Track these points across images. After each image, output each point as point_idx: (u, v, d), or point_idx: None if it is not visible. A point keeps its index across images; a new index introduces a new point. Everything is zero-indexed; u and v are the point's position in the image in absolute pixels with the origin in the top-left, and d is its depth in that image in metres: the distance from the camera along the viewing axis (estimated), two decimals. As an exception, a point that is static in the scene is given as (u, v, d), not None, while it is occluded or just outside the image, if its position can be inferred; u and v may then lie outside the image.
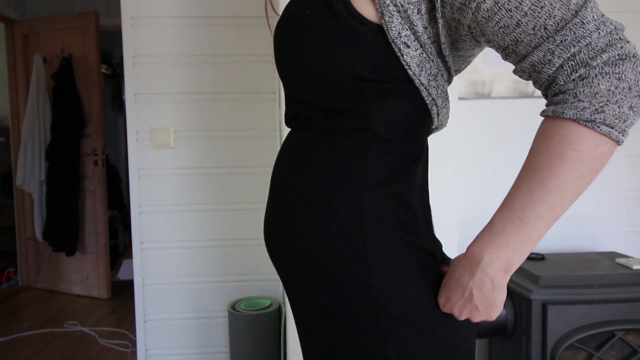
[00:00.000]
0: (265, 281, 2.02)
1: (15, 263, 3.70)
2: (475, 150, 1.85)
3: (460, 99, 1.80)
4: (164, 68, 1.97)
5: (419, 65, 0.62)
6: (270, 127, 2.00)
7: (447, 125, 0.76)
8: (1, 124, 4.24)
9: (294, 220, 0.68)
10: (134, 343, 2.45)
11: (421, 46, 0.61)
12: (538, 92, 1.87)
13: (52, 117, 3.37)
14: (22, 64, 3.50)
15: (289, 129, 0.76)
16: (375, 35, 0.60)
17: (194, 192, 2.01)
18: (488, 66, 1.89)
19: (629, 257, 1.65)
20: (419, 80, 0.63)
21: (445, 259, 0.72)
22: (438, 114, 0.69)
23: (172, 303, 2.04)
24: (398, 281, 0.63)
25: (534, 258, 1.66)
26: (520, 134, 1.86)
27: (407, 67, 0.62)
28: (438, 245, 0.74)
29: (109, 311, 3.09)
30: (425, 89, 0.64)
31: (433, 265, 0.67)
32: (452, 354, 0.65)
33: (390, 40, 0.60)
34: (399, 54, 0.61)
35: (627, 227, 1.99)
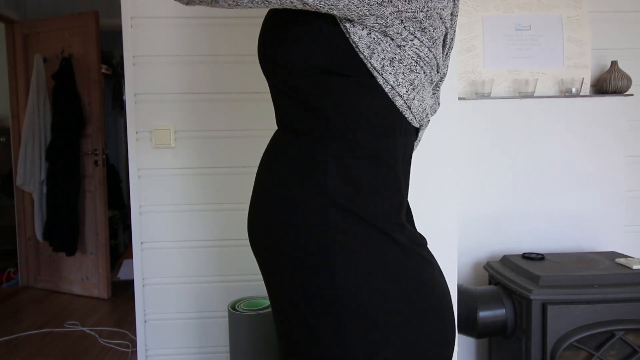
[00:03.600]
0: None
1: (15, 263, 3.70)
2: (475, 150, 1.85)
3: (460, 99, 1.80)
4: (164, 68, 1.97)
5: (369, 47, 0.60)
6: (270, 127, 1.99)
7: (431, 118, 0.75)
8: (1, 124, 4.24)
9: (266, 216, 0.71)
10: (134, 343, 2.45)
11: (366, 27, 0.59)
12: (538, 92, 1.87)
13: (52, 117, 3.37)
14: (22, 64, 3.50)
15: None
16: (331, 25, 0.61)
17: (194, 192, 2.02)
18: (488, 66, 1.90)
19: (629, 257, 1.65)
20: (371, 64, 0.61)
21: (422, 242, 0.71)
22: (409, 107, 0.65)
23: (172, 303, 2.04)
24: (361, 275, 0.62)
25: (534, 258, 1.67)
26: (520, 134, 1.86)
27: (357, 50, 0.60)
28: (410, 230, 0.71)
29: (109, 311, 3.09)
30: (380, 74, 0.61)
31: (398, 255, 0.65)
32: (417, 356, 0.63)
33: (338, 21, 0.61)
34: (346, 35, 0.60)
35: (627, 227, 1.99)
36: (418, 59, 0.63)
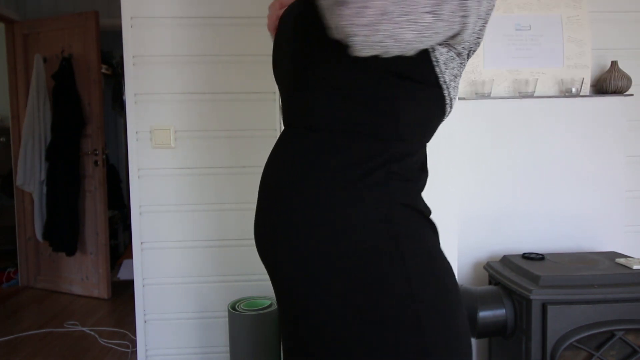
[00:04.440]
0: (265, 281, 2.02)
1: (15, 263, 3.70)
2: (475, 150, 1.85)
3: (460, 99, 1.80)
4: (164, 68, 1.97)
5: (445, 63, 0.66)
6: (270, 127, 2.00)
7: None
8: (1, 124, 4.24)
9: (303, 220, 0.67)
10: (134, 343, 2.45)
11: (449, 46, 0.65)
12: (538, 92, 1.87)
13: (52, 117, 3.37)
14: (22, 64, 3.50)
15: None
16: None
17: (194, 192, 2.02)
18: (488, 66, 1.89)
19: (629, 257, 1.65)
20: (444, 78, 0.66)
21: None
22: (445, 117, 0.73)
23: (172, 303, 2.04)
24: (426, 266, 0.66)
25: (534, 258, 1.66)
26: (520, 134, 1.86)
27: (436, 64, 0.65)
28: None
29: (109, 311, 3.08)
30: (447, 88, 0.67)
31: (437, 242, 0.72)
32: (462, 338, 0.67)
33: None
34: (430, 50, 0.64)
35: (627, 227, 1.99)
36: (459, 76, 0.71)
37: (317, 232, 0.66)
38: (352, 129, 0.67)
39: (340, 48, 0.60)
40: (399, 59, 0.61)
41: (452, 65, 0.67)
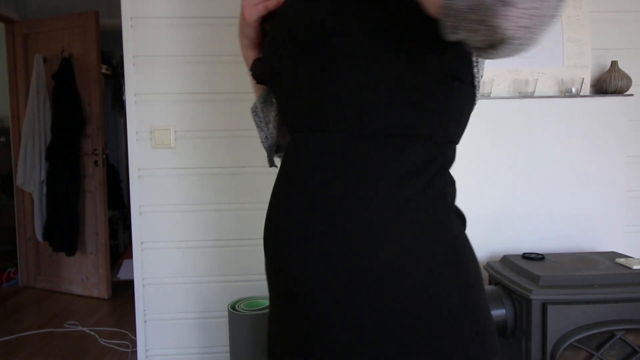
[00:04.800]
0: (265, 281, 2.02)
1: (15, 263, 3.70)
2: (475, 150, 1.85)
3: (460, 99, 1.80)
4: (164, 68, 1.97)
5: (480, 64, 0.66)
6: (270, 127, 2.00)
7: None
8: (1, 124, 4.24)
9: (364, 236, 0.60)
10: (134, 343, 2.45)
11: None
12: (538, 92, 1.87)
13: (52, 117, 3.37)
14: (22, 64, 3.50)
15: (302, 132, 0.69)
16: None
17: (194, 192, 2.01)
18: (488, 66, 1.89)
19: (629, 257, 1.65)
20: (478, 79, 0.66)
21: None
22: None
23: (172, 303, 2.04)
24: (480, 279, 0.65)
25: (534, 258, 1.66)
26: (520, 134, 1.86)
27: (475, 64, 0.64)
28: None
29: (109, 311, 3.09)
30: (479, 87, 0.67)
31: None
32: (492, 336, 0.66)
33: None
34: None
35: (627, 227, 2.00)
36: None
37: (370, 249, 0.60)
38: (406, 132, 0.62)
39: (398, 43, 0.57)
40: (451, 58, 0.60)
41: (482, 65, 0.66)
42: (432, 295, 0.59)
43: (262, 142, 0.82)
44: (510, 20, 0.46)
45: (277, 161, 0.80)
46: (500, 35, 0.47)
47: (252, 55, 0.82)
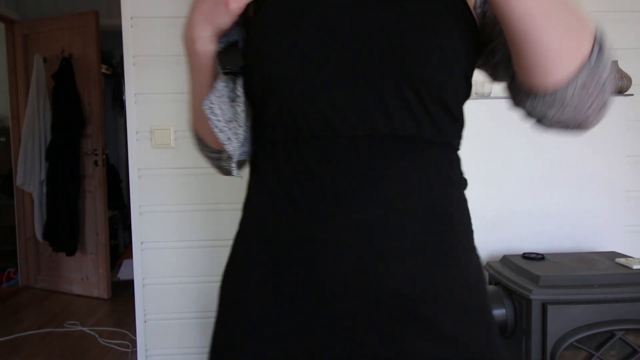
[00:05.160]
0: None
1: (15, 263, 3.70)
2: (475, 150, 1.85)
3: (460, 99, 1.80)
4: (164, 68, 1.97)
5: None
6: (270, 127, 2.00)
7: None
8: (1, 124, 4.25)
9: (414, 246, 0.58)
10: (134, 343, 2.45)
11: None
12: (538, 92, 1.87)
13: (52, 117, 3.37)
14: (22, 64, 3.50)
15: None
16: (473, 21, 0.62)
17: (194, 192, 2.01)
18: (488, 66, 1.89)
19: (629, 257, 1.65)
20: (472, 75, 0.66)
21: None
22: None
23: (172, 303, 2.04)
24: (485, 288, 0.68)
25: (534, 258, 1.66)
26: (520, 134, 1.86)
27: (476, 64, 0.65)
28: None
29: (109, 311, 3.09)
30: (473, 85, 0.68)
31: None
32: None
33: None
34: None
35: (627, 227, 1.99)
36: None
37: (433, 261, 0.60)
38: (445, 140, 0.62)
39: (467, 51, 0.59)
40: (471, 61, 0.61)
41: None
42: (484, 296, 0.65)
43: (223, 143, 0.68)
44: (600, 118, 0.58)
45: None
46: (587, 125, 0.61)
47: (213, 48, 0.65)
